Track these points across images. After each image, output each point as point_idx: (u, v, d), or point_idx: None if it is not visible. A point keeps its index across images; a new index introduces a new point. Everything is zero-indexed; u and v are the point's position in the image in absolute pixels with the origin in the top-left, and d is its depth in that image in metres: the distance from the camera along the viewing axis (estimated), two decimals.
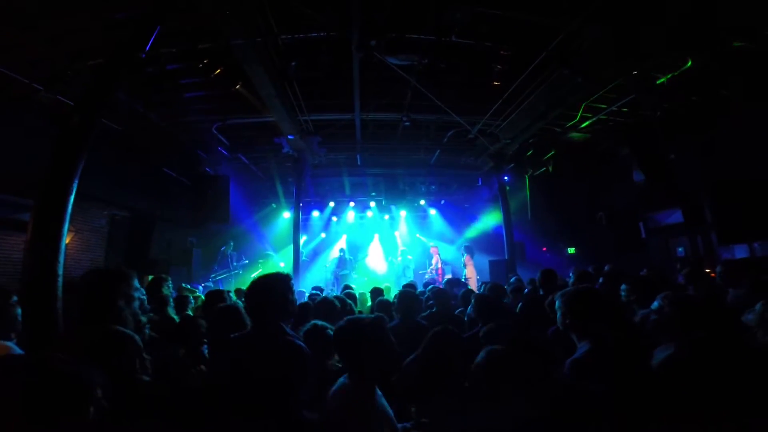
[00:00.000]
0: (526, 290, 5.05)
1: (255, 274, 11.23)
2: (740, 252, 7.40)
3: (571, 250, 11.68)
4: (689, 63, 5.34)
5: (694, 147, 7.28)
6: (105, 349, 1.65)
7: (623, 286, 3.26)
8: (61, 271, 3.11)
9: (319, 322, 2.68)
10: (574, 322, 2.31)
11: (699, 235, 8.43)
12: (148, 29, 3.64)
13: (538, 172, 10.11)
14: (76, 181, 2.95)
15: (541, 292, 4.42)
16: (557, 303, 2.42)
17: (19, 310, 2.48)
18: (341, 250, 13.29)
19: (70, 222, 3.17)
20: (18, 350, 2.29)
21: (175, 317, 3.93)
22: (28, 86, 5.41)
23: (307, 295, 6.14)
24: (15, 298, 2.49)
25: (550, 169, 9.65)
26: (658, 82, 5.63)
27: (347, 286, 6.39)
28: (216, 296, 3.97)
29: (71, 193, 2.93)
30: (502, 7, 4.75)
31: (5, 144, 5.55)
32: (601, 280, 4.28)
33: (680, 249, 9.08)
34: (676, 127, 6.91)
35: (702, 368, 1.87)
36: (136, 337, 1.79)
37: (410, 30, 5.24)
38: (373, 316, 2.04)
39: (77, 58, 5.08)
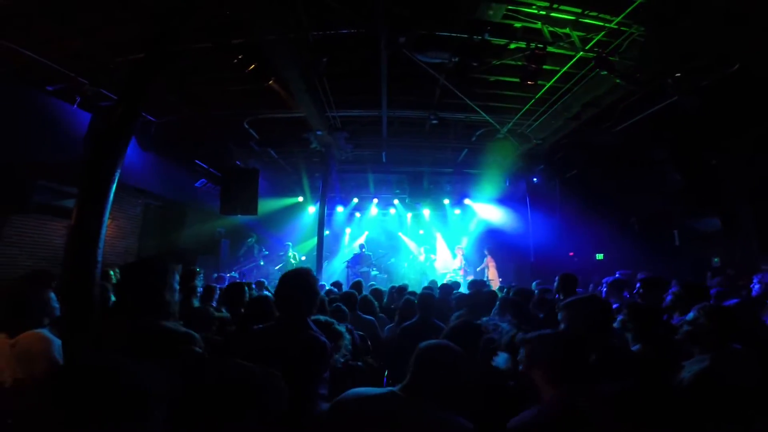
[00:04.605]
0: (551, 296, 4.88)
1: (278, 267, 11.57)
2: None
3: (599, 256, 11.32)
4: (736, 65, 5.05)
5: (738, 152, 6.90)
6: (172, 349, 1.58)
7: (674, 290, 3.16)
8: (100, 258, 3.26)
9: (323, 318, 2.70)
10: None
11: (737, 245, 8.01)
12: (180, 24, 3.74)
13: (569, 175, 9.83)
14: (119, 171, 3.07)
15: (558, 296, 4.28)
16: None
17: (53, 295, 2.43)
18: (360, 246, 13.27)
19: None
20: (54, 338, 2.23)
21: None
22: (74, 79, 5.66)
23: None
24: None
25: (582, 171, 9.36)
26: (702, 84, 5.35)
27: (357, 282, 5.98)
28: (237, 289, 3.98)
29: (113, 182, 3.06)
30: (537, 4, 4.64)
31: (51, 133, 5.84)
32: (639, 285, 4.11)
33: (716, 259, 8.66)
34: (719, 132, 6.56)
35: (738, 382, 1.80)
36: (197, 336, 1.72)
37: (441, 27, 5.16)
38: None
39: (119, 51, 5.27)
